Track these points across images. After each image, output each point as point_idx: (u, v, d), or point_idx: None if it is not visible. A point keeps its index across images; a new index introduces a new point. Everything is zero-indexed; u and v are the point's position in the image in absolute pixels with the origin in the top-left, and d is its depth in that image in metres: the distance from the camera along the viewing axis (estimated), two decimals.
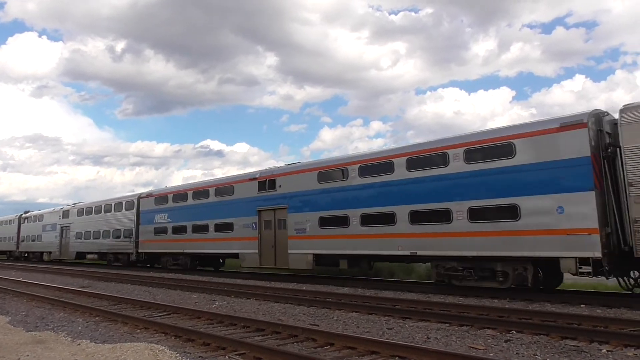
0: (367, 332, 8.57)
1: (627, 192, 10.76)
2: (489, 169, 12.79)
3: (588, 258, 11.01)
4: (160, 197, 25.83)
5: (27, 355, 7.46)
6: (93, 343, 8.10)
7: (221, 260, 25.21)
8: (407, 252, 14.32)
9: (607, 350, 6.94)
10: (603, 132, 11.62)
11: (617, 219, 11.07)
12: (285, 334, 8.27)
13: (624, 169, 10.88)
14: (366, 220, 15.50)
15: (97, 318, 10.67)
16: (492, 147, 12.87)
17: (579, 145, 11.31)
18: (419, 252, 14.09)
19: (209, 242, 21.93)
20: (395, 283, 16.61)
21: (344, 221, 16.08)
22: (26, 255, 43.43)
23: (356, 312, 10.69)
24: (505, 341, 7.61)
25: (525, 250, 11.96)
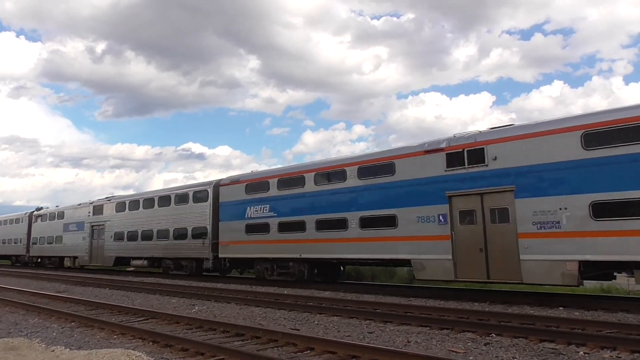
0: (347, 336, 8.54)
1: None
2: None
3: None
4: (256, 183, 19.14)
5: None
6: (68, 349, 7.95)
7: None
8: None
9: (584, 353, 7.02)
10: None
11: None
12: (265, 338, 8.21)
13: None
14: None
15: (72, 323, 10.46)
16: None
17: None
18: None
19: (350, 243, 15.45)
20: (377, 287, 16.62)
21: None
22: (39, 260, 35.86)
23: (337, 316, 10.66)
24: (485, 344, 7.65)
25: None
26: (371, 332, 8.81)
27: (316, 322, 10.00)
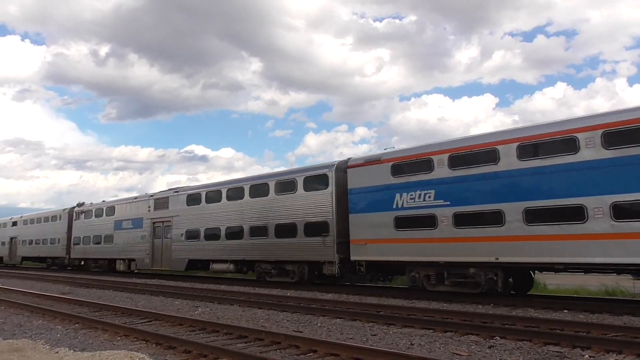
0: (350, 338, 8.52)
1: None
2: None
3: None
4: (411, 162, 14.53)
5: None
6: (72, 351, 7.97)
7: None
8: None
9: (590, 356, 6.99)
10: None
11: None
12: (268, 340, 8.20)
13: None
14: None
15: (76, 325, 10.48)
16: None
17: None
18: None
19: (592, 240, 11.08)
20: (379, 289, 16.56)
21: None
22: (81, 263, 31.65)
23: (340, 318, 10.63)
24: (489, 347, 7.61)
25: None
26: (374, 335, 8.79)
27: (319, 324, 9.99)
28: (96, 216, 29.80)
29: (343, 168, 16.66)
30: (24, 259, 38.79)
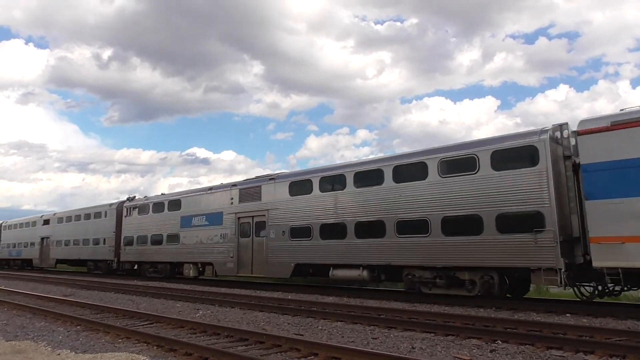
0: (351, 341, 8.49)
1: None
2: None
3: None
4: None
5: None
6: (73, 353, 8.00)
7: None
8: None
9: None
10: None
11: None
12: (268, 343, 8.19)
13: None
14: None
15: (78, 327, 10.50)
16: None
17: None
18: None
19: None
20: (381, 292, 16.52)
21: None
22: (134, 267, 26.84)
23: (341, 321, 10.62)
24: (491, 351, 7.58)
25: None
26: (375, 338, 8.76)
27: (320, 328, 9.98)
28: (155, 212, 25.01)
29: (555, 137, 12.36)
30: (59, 261, 34.22)
